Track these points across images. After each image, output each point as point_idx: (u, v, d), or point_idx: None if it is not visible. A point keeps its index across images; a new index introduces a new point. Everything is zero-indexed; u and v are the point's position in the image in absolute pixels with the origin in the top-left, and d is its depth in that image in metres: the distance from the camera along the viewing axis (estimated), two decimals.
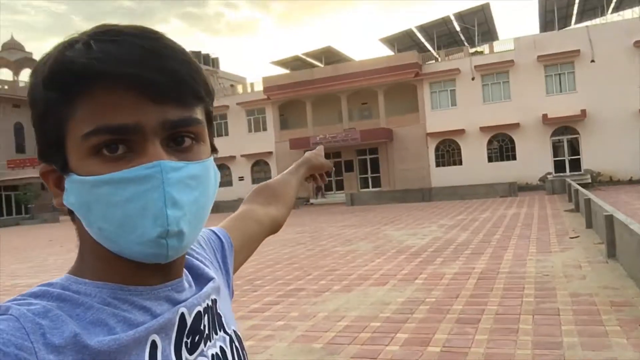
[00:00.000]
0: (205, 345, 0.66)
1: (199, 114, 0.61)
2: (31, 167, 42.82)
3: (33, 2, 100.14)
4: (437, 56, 34.96)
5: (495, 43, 33.55)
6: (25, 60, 48.75)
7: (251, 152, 36.66)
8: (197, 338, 0.65)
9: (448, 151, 32.66)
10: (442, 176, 31.89)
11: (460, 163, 32.13)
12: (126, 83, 0.54)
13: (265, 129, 36.98)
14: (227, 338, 0.71)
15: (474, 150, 31.63)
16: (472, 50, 33.99)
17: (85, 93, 0.55)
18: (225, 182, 38.01)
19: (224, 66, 63.82)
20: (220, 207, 31.65)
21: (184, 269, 0.69)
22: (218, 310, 0.71)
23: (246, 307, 6.62)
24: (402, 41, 37.09)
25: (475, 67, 31.38)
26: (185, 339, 0.63)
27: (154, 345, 0.59)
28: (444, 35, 37.26)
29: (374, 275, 8.11)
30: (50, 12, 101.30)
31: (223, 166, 38.03)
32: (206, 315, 0.68)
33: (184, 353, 0.62)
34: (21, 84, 48.09)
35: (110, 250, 0.58)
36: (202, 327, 0.66)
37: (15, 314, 0.52)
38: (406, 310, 5.93)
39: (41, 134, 0.59)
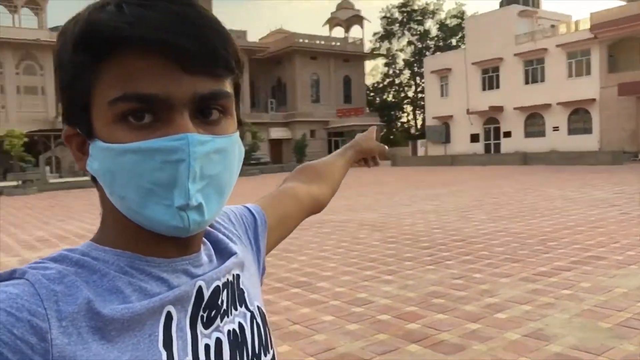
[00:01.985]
0: (222, 320, 0.65)
1: (228, 86, 0.59)
2: (355, 115, 47.88)
3: None
4: None
5: None
6: (354, 17, 53.82)
7: (570, 99, 33.30)
8: (213, 313, 0.64)
9: None
10: None
11: None
12: (158, 50, 0.53)
13: (588, 73, 32.98)
14: (249, 314, 0.70)
15: None
16: None
17: (115, 58, 0.54)
18: (538, 132, 35.71)
19: (547, 5, 58.59)
20: (529, 159, 30.03)
21: (208, 243, 0.69)
22: (241, 286, 0.70)
23: (532, 269, 6.22)
24: None
25: None
26: (201, 313, 0.62)
27: (169, 316, 0.58)
28: None
29: None
30: None
31: (536, 115, 35.64)
32: (225, 290, 0.66)
33: (199, 327, 0.62)
34: (350, 40, 53.51)
35: (131, 220, 0.58)
36: (219, 302, 0.65)
37: (31, 279, 0.52)
38: None
39: (68, 98, 0.58)
